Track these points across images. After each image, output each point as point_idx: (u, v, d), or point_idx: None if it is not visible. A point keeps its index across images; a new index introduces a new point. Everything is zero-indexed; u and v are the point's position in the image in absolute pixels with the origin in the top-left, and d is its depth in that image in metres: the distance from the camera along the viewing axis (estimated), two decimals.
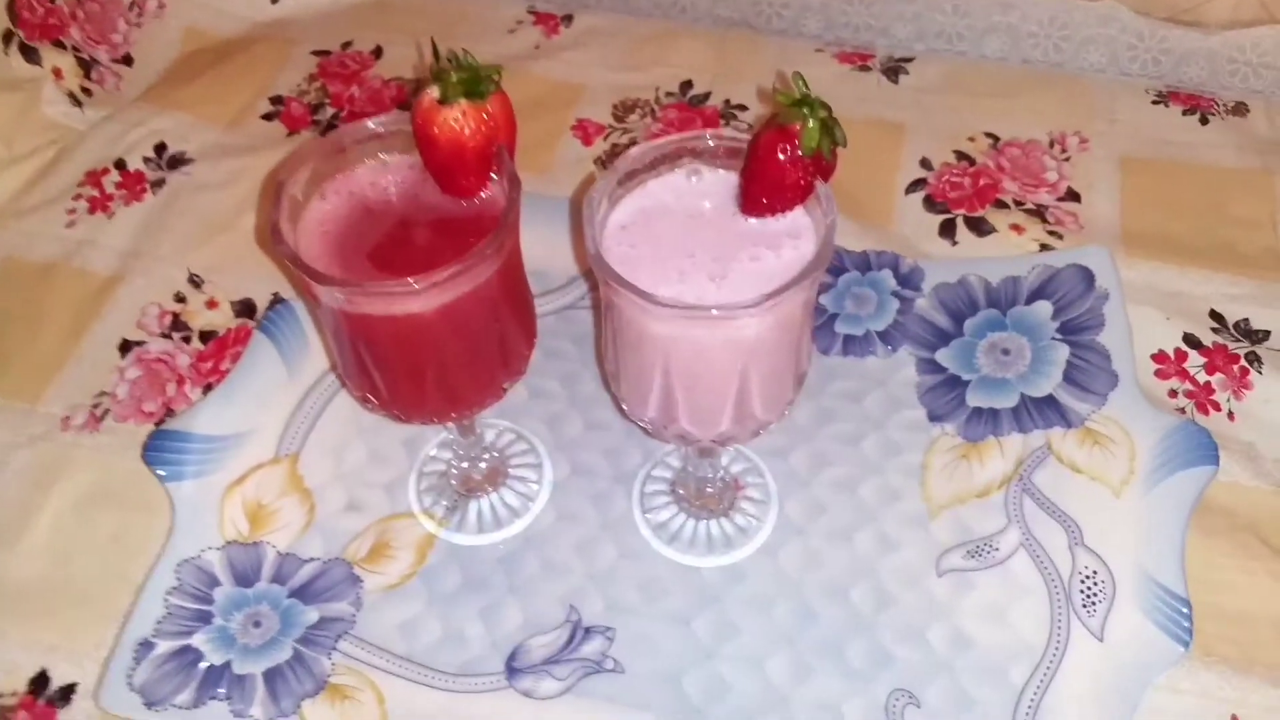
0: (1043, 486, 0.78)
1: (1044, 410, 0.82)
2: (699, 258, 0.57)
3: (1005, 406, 0.83)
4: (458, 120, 0.56)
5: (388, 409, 0.65)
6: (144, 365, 0.90)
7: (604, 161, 1.03)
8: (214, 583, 0.75)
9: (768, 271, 0.56)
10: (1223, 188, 0.98)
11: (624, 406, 0.65)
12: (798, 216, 0.58)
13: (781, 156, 0.54)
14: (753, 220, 0.58)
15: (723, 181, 0.60)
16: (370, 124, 0.61)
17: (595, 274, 0.57)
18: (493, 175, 0.60)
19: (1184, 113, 1.04)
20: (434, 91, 0.56)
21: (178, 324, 0.93)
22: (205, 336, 0.92)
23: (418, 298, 0.55)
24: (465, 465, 0.80)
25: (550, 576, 0.76)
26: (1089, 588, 0.73)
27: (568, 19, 1.17)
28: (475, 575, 0.77)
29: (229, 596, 0.75)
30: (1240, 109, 1.03)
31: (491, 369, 0.65)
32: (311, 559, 0.78)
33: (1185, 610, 0.68)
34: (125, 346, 0.91)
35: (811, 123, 0.53)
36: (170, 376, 0.90)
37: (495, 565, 0.77)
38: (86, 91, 1.11)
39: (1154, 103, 1.05)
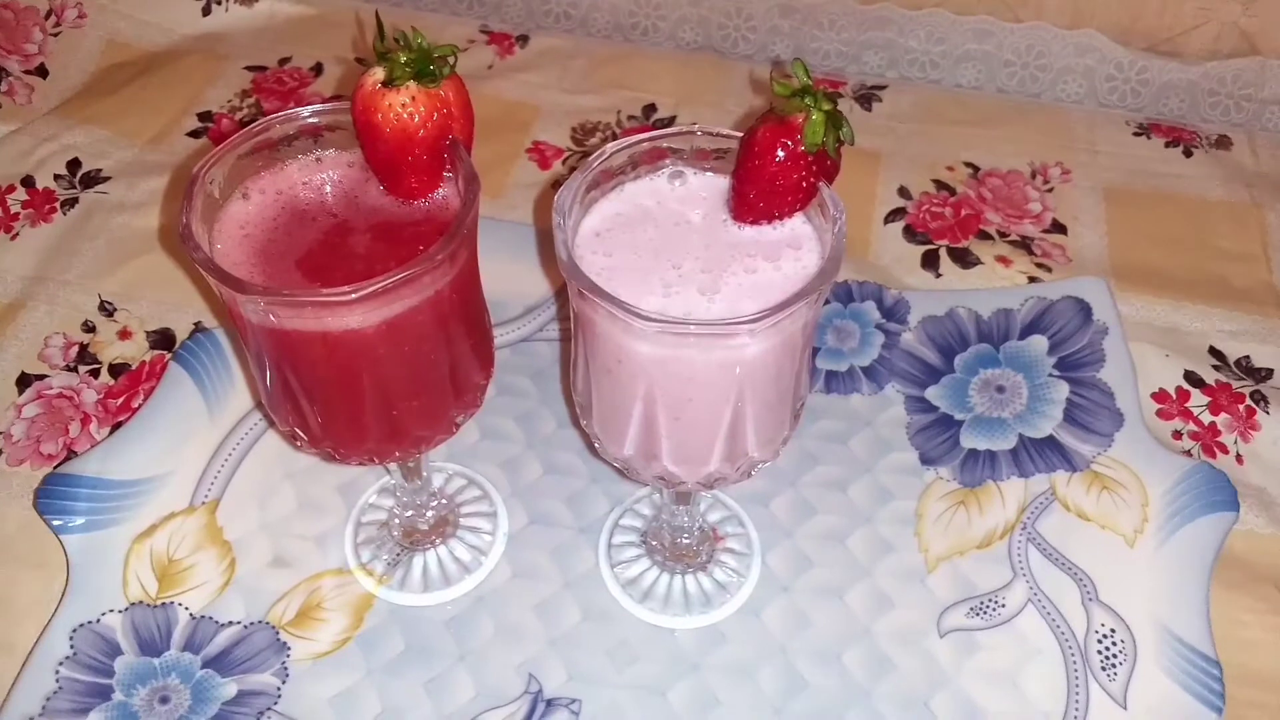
0: (1049, 536, 0.71)
1: (1045, 452, 0.75)
2: (686, 269, 0.49)
3: (1003, 448, 0.76)
4: (406, 106, 0.48)
5: (320, 446, 0.56)
6: (44, 402, 0.80)
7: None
8: (115, 651, 0.65)
9: (766, 285, 0.48)
10: (1210, 220, 0.94)
11: (596, 444, 0.57)
12: (798, 225, 0.51)
13: (781, 154, 0.47)
14: (746, 229, 0.51)
15: (710, 186, 0.53)
16: (304, 113, 0.53)
17: (568, 286, 0.49)
18: (446, 173, 0.52)
19: (1166, 144, 1.00)
20: (378, 73, 0.48)
21: (85, 356, 0.83)
22: (116, 370, 0.82)
23: (354, 311, 0.46)
24: (409, 514, 0.71)
25: (506, 641, 0.67)
26: (1107, 648, 0.66)
27: (523, 39, 1.11)
28: (420, 640, 0.67)
29: (132, 667, 0.65)
30: (1224, 142, 1.00)
31: (441, 400, 0.56)
32: (230, 623, 0.67)
33: (1216, 673, 0.62)
34: (24, 381, 0.81)
35: (815, 115, 0.47)
36: (74, 414, 0.79)
37: (443, 629, 0.68)
38: None
39: (1135, 134, 1.01)
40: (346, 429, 0.54)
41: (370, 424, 0.54)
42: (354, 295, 0.45)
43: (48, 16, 1.06)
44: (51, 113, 1.01)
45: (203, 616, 0.68)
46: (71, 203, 0.93)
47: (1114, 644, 0.66)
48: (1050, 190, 0.96)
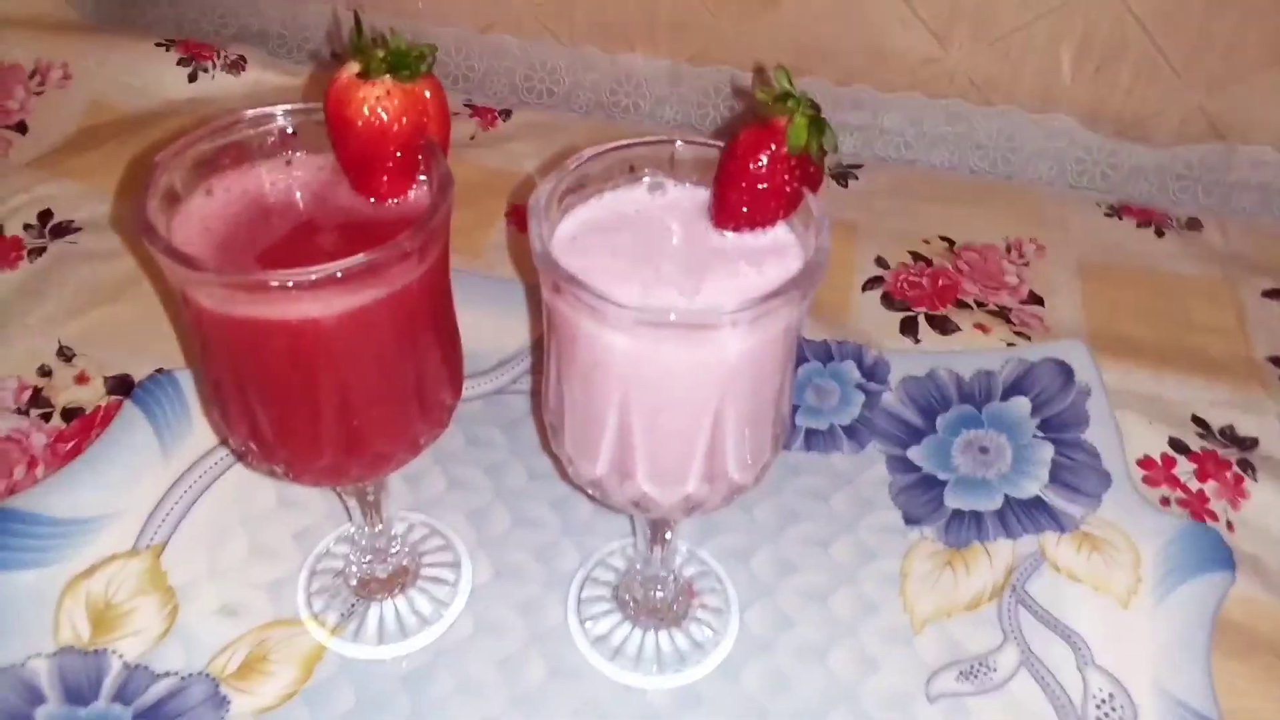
0: (1039, 597, 0.68)
1: (1032, 513, 0.73)
2: (666, 272, 0.48)
3: (989, 509, 0.74)
4: (380, 100, 0.47)
5: (273, 460, 0.52)
6: None
7: None
8: (37, 699, 0.60)
9: (749, 287, 0.47)
10: (1185, 296, 0.94)
11: (568, 467, 0.54)
12: (780, 234, 0.49)
13: (764, 157, 0.47)
14: (729, 236, 0.49)
15: (690, 198, 0.52)
16: (275, 113, 0.52)
17: (542, 287, 0.48)
18: (420, 177, 0.50)
19: (1138, 225, 1.01)
20: (354, 67, 0.47)
21: (38, 399, 0.79)
22: (69, 415, 0.78)
23: (315, 297, 0.44)
24: (368, 560, 0.67)
25: (466, 699, 0.63)
26: (1106, 714, 0.62)
27: (506, 113, 1.12)
28: (372, 696, 0.63)
29: (54, 718, 0.59)
30: (1194, 224, 1.02)
31: (405, 412, 0.53)
32: (167, 673, 0.63)
33: None
34: None
35: (798, 118, 0.46)
36: (20, 458, 0.75)
37: (398, 684, 0.63)
38: None
39: (1106, 215, 1.03)
40: (301, 439, 0.51)
41: (328, 434, 0.51)
42: (315, 276, 0.43)
43: (32, 75, 1.07)
44: (27, 165, 1.00)
45: (138, 665, 0.63)
46: (39, 251, 0.91)
47: (1114, 709, 0.62)
48: (1026, 265, 0.97)
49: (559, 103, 1.16)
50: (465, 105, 1.13)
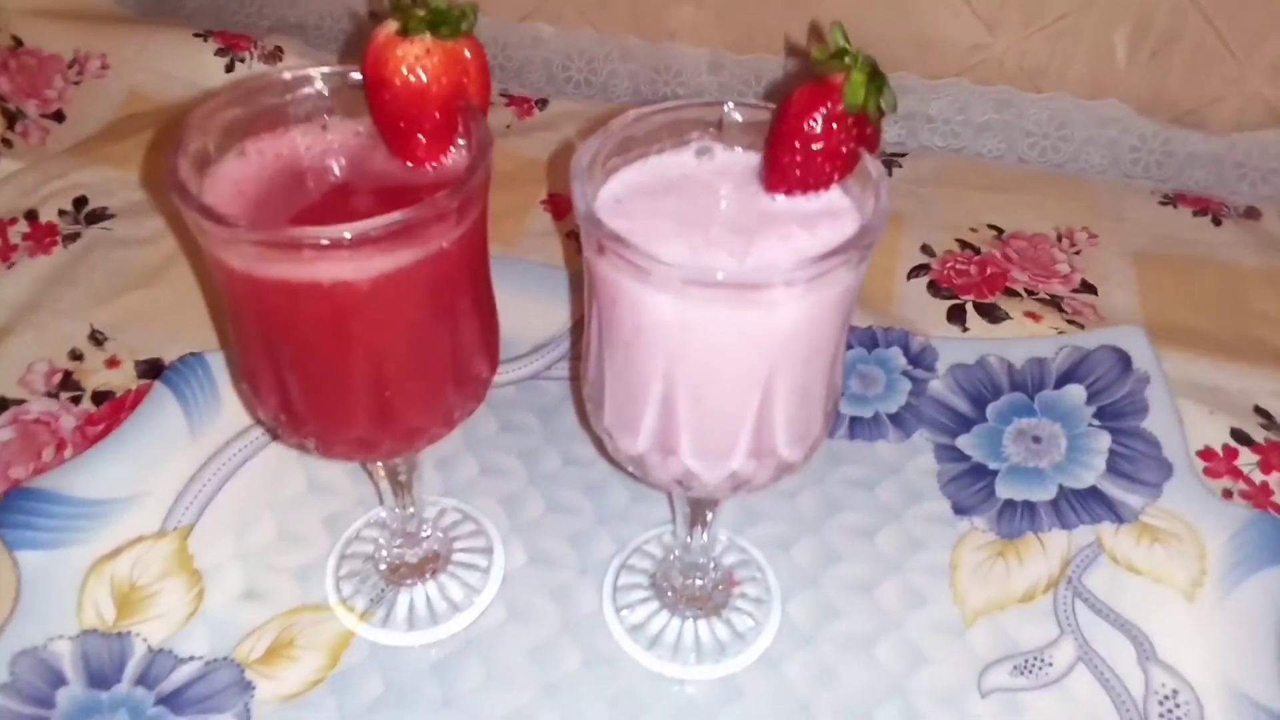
0: (1097, 590, 0.65)
1: (1088, 503, 0.70)
2: (714, 234, 0.45)
3: (1042, 499, 0.71)
4: (419, 59, 0.45)
5: (302, 432, 0.51)
6: (19, 426, 0.75)
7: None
8: (59, 681, 0.58)
9: (802, 250, 0.44)
10: (1244, 285, 0.90)
11: (608, 442, 0.52)
12: (835, 198, 0.47)
13: (820, 115, 0.44)
14: (780, 198, 0.47)
15: (740, 163, 0.50)
16: (314, 75, 0.50)
17: (583, 249, 0.46)
18: (459, 140, 0.48)
19: (1194, 214, 0.98)
20: (392, 25, 0.46)
21: (68, 383, 0.79)
22: (99, 398, 0.78)
23: (350, 258, 0.42)
24: (398, 545, 0.65)
25: (497, 688, 0.61)
26: (1170, 710, 0.59)
27: (542, 103, 1.11)
28: (401, 684, 0.61)
29: (75, 701, 0.58)
30: (1253, 213, 0.98)
31: (439, 383, 0.51)
32: (192, 658, 0.61)
33: None
34: (2, 406, 0.76)
35: (855, 75, 0.44)
36: (49, 440, 0.74)
37: (428, 672, 0.61)
38: (7, 143, 1.00)
39: (1161, 204, 0.99)
40: (333, 409, 0.49)
41: (359, 405, 0.49)
42: (349, 235, 0.41)
43: (71, 65, 1.07)
44: (63, 152, 1.00)
45: (161, 649, 0.61)
46: (74, 237, 0.91)
47: (1177, 705, 0.59)
48: (1078, 253, 0.93)
49: (596, 92, 1.14)
50: (501, 95, 1.11)
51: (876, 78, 0.44)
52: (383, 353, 0.47)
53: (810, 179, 0.46)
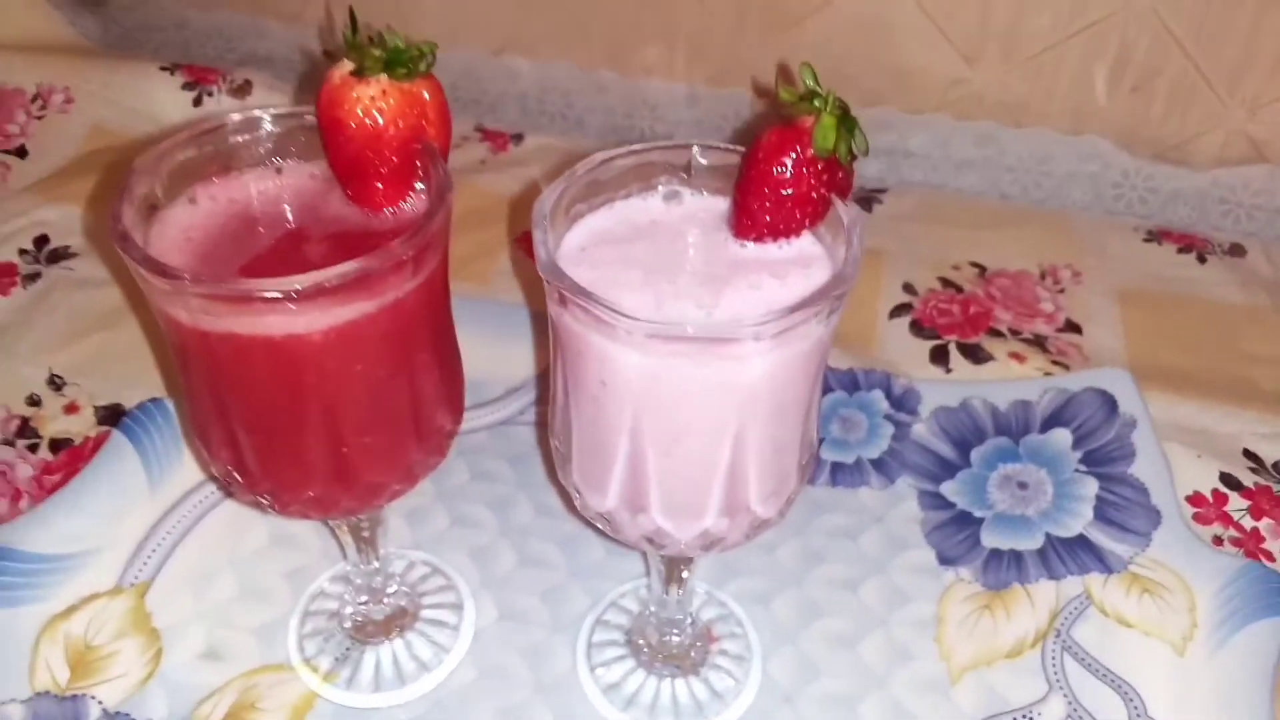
0: (1086, 644, 0.63)
1: (1076, 552, 0.68)
2: (682, 284, 0.44)
3: (1029, 548, 0.69)
4: (375, 100, 0.43)
5: (257, 490, 0.48)
6: None
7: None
8: None
9: (772, 300, 0.42)
10: (1231, 324, 0.89)
11: (575, 498, 0.50)
12: (806, 245, 0.45)
13: (789, 160, 0.43)
14: (750, 247, 0.45)
15: (709, 208, 0.48)
16: (263, 117, 0.48)
17: (547, 300, 0.44)
18: (417, 184, 0.46)
19: (1179, 250, 0.97)
20: (347, 65, 0.44)
21: (25, 430, 0.76)
22: (57, 446, 0.75)
23: (301, 310, 0.40)
24: (364, 601, 0.63)
25: None
26: None
27: (517, 137, 1.09)
28: None
29: None
30: (1237, 249, 0.97)
31: (399, 438, 0.49)
32: None
33: None
34: None
35: (825, 118, 0.42)
36: (4, 490, 0.72)
37: None
38: None
39: (1145, 240, 0.98)
40: (288, 466, 0.47)
41: (315, 462, 0.46)
42: (300, 285, 0.39)
43: (34, 99, 1.04)
44: (25, 190, 0.97)
45: (117, 713, 0.58)
46: (34, 277, 0.88)
47: None
48: (1061, 291, 0.92)
49: (572, 127, 1.13)
50: (476, 130, 1.10)
51: (847, 120, 0.43)
52: (339, 408, 0.45)
53: (780, 226, 0.44)
